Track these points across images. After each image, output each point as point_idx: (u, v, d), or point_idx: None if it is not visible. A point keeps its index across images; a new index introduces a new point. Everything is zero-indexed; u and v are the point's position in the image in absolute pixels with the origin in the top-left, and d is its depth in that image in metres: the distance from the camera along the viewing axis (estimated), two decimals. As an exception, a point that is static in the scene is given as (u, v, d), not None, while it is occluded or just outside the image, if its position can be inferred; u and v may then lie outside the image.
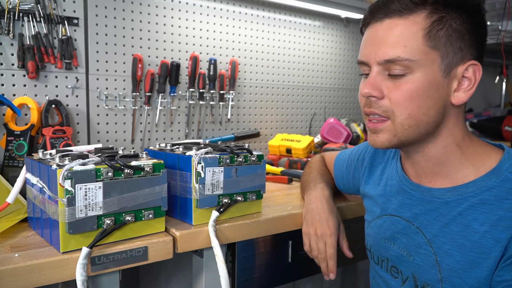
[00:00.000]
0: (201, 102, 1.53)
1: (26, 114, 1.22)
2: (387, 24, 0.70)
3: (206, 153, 0.88)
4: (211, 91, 1.55)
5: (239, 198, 0.93)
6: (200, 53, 1.54)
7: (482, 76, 0.71)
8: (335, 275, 0.91)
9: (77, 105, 1.30)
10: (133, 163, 0.77)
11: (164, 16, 1.45)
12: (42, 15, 1.20)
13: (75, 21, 1.27)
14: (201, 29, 1.54)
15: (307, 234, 0.94)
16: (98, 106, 1.34)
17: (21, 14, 1.18)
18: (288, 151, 1.56)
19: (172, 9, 1.47)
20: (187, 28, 1.50)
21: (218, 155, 0.89)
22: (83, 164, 0.73)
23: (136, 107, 1.41)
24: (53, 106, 1.22)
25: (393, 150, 0.90)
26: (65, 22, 1.25)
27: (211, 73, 1.52)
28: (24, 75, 1.21)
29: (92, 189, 0.72)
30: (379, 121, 0.73)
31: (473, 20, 0.70)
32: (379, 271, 0.87)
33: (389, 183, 0.86)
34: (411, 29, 0.68)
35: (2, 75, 1.18)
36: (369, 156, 0.95)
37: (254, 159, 0.95)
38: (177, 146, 0.96)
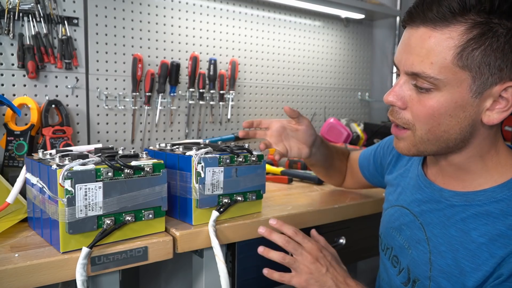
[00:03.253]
0: (201, 102, 1.53)
1: (26, 114, 1.22)
2: (421, 34, 0.64)
3: (206, 153, 0.88)
4: (211, 91, 1.55)
5: (239, 198, 0.93)
6: (200, 53, 1.54)
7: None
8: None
9: (77, 105, 1.31)
10: (133, 163, 0.77)
11: (164, 16, 1.45)
12: (42, 15, 1.20)
13: (75, 21, 1.27)
14: (201, 29, 1.54)
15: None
16: (98, 106, 1.35)
17: (21, 14, 1.18)
18: (288, 151, 1.55)
19: (172, 9, 1.47)
20: (187, 28, 1.50)
21: (218, 155, 0.89)
22: (83, 164, 0.73)
23: (136, 107, 1.41)
24: (53, 106, 1.22)
25: None
26: (65, 22, 1.25)
27: (211, 73, 1.52)
28: (24, 75, 1.21)
29: (92, 189, 0.72)
30: (400, 128, 0.72)
31: None
32: (383, 258, 0.89)
33: (408, 175, 0.87)
34: (443, 44, 0.62)
35: (2, 75, 1.18)
36: None
37: (254, 159, 0.95)
38: (177, 146, 0.96)
